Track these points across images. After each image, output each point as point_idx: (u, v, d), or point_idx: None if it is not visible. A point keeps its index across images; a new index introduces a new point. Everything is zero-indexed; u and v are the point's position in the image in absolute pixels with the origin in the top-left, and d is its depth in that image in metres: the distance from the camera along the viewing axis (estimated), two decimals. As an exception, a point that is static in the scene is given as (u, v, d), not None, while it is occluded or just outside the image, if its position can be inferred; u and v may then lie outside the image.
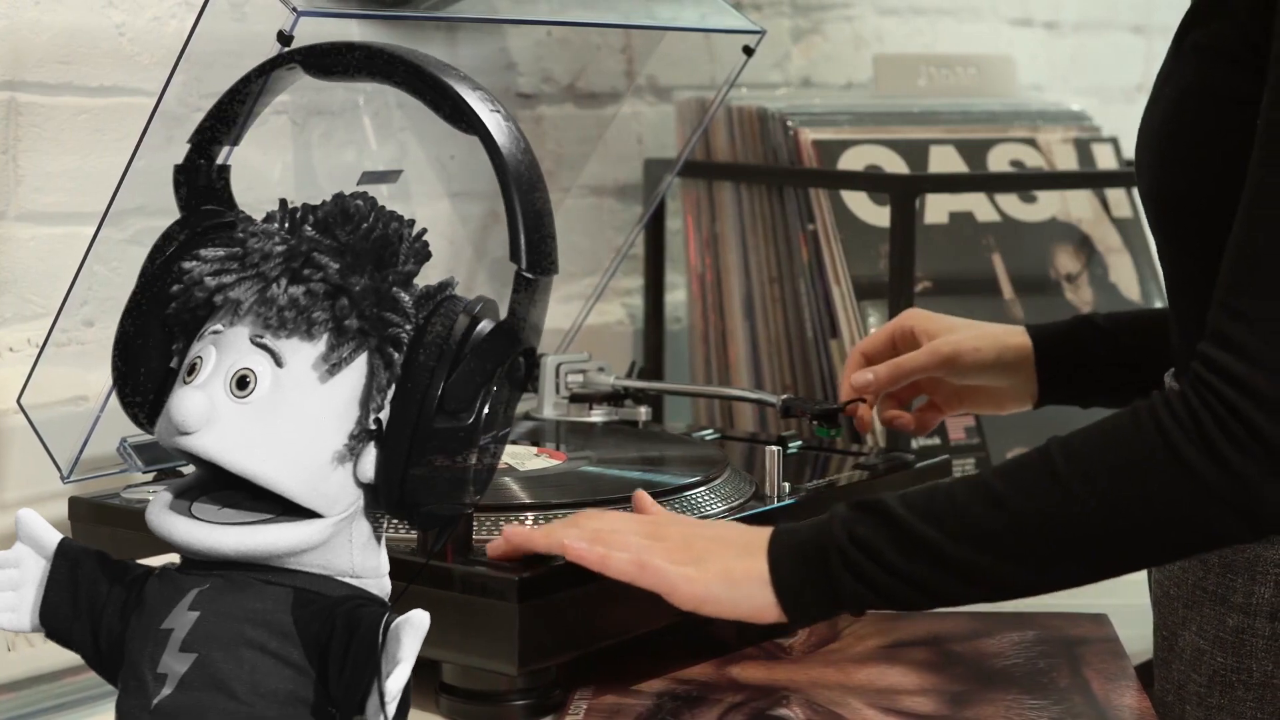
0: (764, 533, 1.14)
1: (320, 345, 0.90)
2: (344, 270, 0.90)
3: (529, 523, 1.21)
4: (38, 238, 1.41)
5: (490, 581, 1.12)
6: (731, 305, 1.79)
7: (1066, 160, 1.87)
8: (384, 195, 1.55)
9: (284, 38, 1.17)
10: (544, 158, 1.80)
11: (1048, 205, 1.83)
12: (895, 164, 1.76)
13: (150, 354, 0.95)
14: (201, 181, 0.98)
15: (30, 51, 1.38)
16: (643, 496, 1.22)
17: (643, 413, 1.54)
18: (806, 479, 1.38)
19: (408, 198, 1.65)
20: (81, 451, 1.31)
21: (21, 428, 1.33)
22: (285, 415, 0.90)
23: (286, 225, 0.93)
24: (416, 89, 0.94)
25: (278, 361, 0.90)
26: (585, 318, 1.73)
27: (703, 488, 1.30)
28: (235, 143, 0.99)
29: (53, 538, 0.95)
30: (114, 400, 0.97)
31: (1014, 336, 1.40)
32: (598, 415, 1.55)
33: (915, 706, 1.17)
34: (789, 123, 1.74)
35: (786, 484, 1.33)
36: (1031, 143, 1.86)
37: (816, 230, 1.70)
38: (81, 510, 1.32)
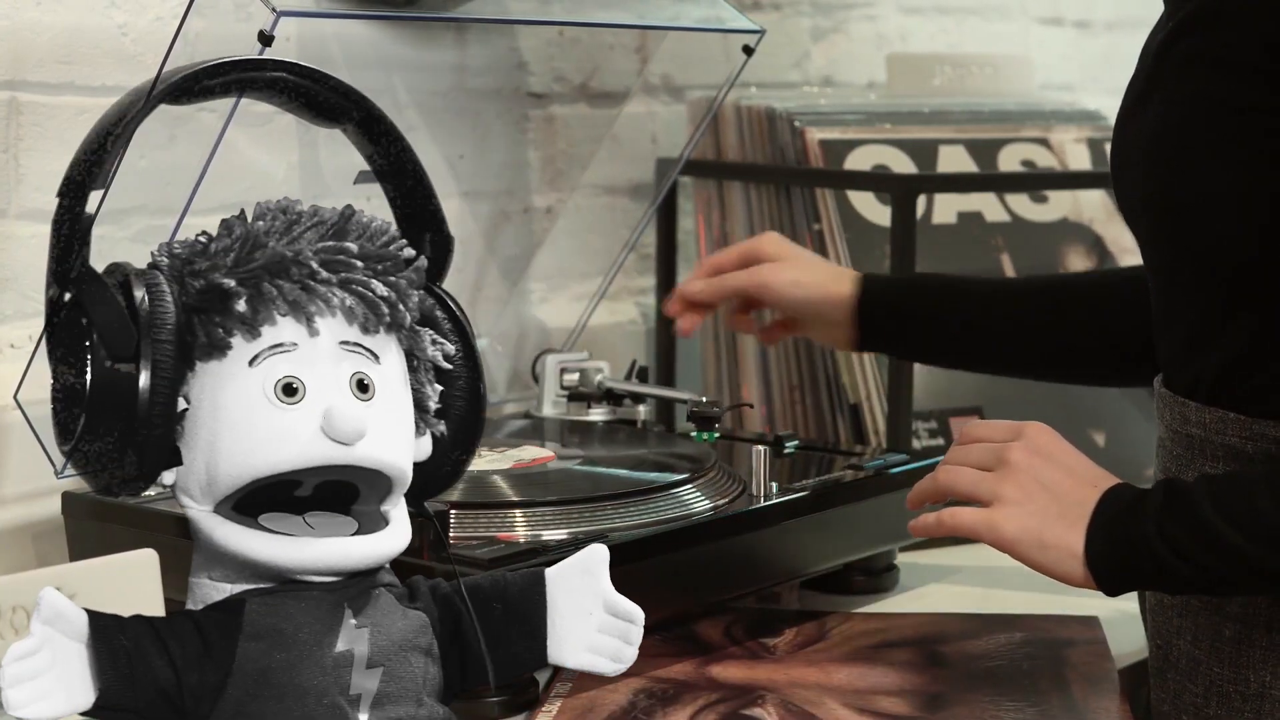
0: (1096, 494, 1.13)
1: (397, 338, 0.95)
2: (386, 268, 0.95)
3: (520, 523, 1.22)
4: (38, 236, 1.42)
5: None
6: (740, 305, 1.78)
7: (1079, 160, 1.85)
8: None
9: (264, 38, 1.17)
10: (556, 157, 1.80)
11: (1059, 205, 1.81)
12: (903, 164, 1.75)
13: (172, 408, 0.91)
14: (81, 228, 0.93)
15: (31, 51, 1.40)
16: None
17: (641, 411, 1.55)
18: (800, 479, 1.38)
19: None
20: (75, 447, 1.32)
21: (19, 424, 1.34)
22: (395, 408, 0.94)
23: (286, 240, 0.94)
24: (288, 91, 1.02)
25: (376, 359, 0.93)
26: (590, 315, 1.73)
27: (688, 485, 1.30)
28: (106, 187, 0.95)
29: (80, 617, 0.89)
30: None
31: (840, 284, 1.45)
32: (596, 414, 1.55)
33: (889, 707, 1.16)
34: (796, 122, 1.73)
35: (774, 484, 1.33)
36: (1044, 142, 1.84)
37: (822, 230, 1.70)
38: (76, 506, 1.33)
